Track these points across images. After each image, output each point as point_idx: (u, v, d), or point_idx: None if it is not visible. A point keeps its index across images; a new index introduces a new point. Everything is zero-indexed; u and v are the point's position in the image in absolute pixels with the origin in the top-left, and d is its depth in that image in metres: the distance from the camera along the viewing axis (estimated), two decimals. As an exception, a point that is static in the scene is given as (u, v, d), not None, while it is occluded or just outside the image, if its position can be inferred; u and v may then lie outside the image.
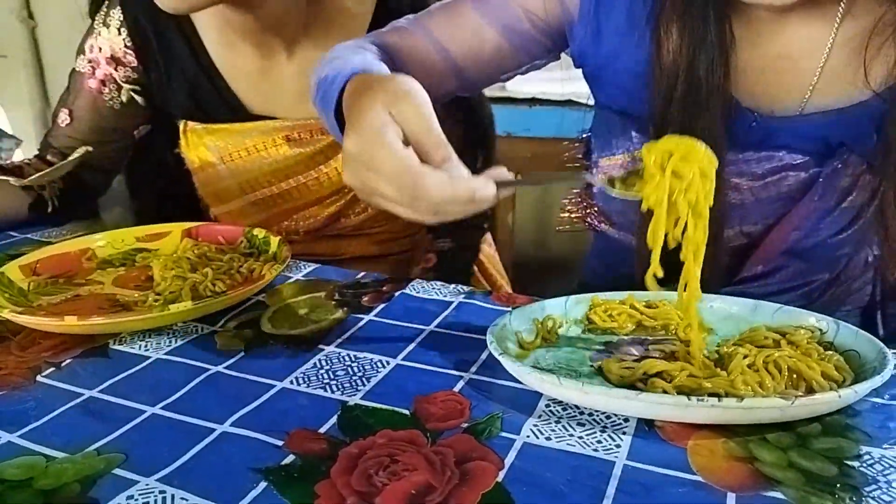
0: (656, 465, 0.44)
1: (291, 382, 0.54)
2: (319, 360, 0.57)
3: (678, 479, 0.42)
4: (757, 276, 0.71)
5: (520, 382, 0.52)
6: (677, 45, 0.65)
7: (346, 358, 0.58)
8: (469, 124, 1.03)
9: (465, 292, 0.71)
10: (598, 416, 0.49)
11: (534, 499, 0.41)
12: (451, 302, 0.68)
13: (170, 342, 0.61)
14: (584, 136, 0.80)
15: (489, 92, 1.04)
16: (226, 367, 0.57)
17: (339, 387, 0.53)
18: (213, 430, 0.48)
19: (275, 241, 0.78)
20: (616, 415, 0.49)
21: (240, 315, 0.67)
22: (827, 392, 0.47)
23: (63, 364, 0.58)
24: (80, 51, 0.98)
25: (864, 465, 0.43)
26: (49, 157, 1.00)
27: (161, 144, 1.05)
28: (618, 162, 0.73)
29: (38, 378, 0.56)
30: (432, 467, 0.43)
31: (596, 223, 0.81)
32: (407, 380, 0.54)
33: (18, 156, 1.06)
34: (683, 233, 0.52)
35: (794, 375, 0.50)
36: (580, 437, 0.46)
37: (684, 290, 0.53)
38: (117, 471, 0.44)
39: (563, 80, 0.76)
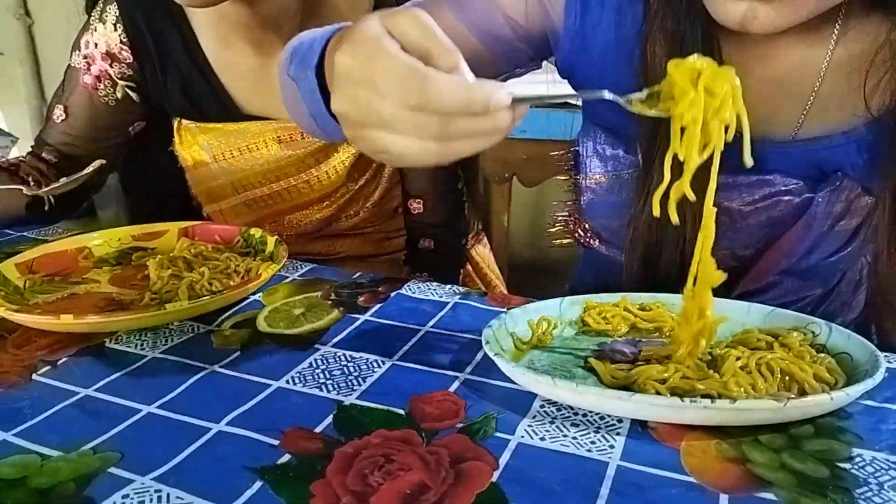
0: (649, 465, 0.44)
1: (287, 382, 0.54)
2: (315, 360, 0.58)
3: (671, 479, 0.43)
4: (751, 292, 0.70)
5: (514, 383, 0.52)
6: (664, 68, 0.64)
7: (342, 358, 0.58)
8: None
9: (461, 293, 0.71)
10: (592, 416, 0.49)
11: (528, 499, 0.41)
12: (447, 303, 0.69)
13: (166, 341, 0.61)
14: (573, 149, 0.78)
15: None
16: (222, 367, 0.57)
17: (335, 386, 0.53)
18: (209, 429, 0.48)
19: (271, 240, 0.78)
20: (610, 416, 0.49)
21: (236, 314, 0.67)
22: (819, 394, 0.47)
23: (59, 362, 0.58)
24: (76, 47, 0.98)
25: (856, 467, 0.44)
26: (44, 155, 1.00)
27: (156, 142, 1.05)
28: (603, 182, 0.72)
29: (34, 376, 0.56)
30: (427, 467, 0.44)
31: (584, 239, 0.79)
32: (402, 380, 0.54)
33: (14, 153, 1.06)
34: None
35: (787, 378, 0.50)
36: (574, 438, 0.47)
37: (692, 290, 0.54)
38: (113, 469, 0.44)
39: (560, 82, 0.76)
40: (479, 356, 0.57)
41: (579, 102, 0.77)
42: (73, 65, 0.99)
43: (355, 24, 0.45)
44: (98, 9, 0.97)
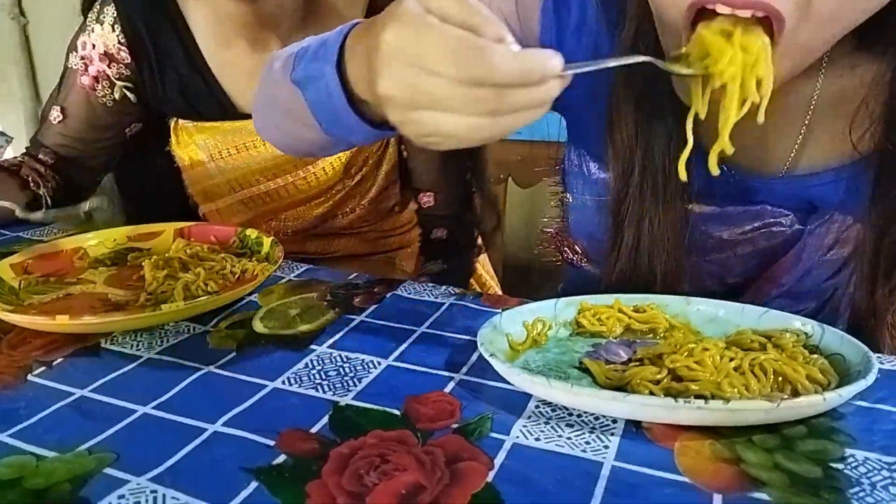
0: (643, 465, 0.44)
1: (283, 382, 0.54)
2: (311, 361, 0.58)
3: (665, 479, 0.43)
4: None
5: (510, 384, 0.52)
6: (631, 124, 0.62)
7: (338, 358, 0.58)
8: None
9: (456, 294, 0.71)
10: (586, 417, 0.49)
11: (523, 499, 0.41)
12: (443, 303, 0.69)
13: (161, 342, 0.61)
14: (558, 168, 0.78)
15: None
16: (217, 367, 0.57)
17: (331, 387, 0.54)
18: (205, 429, 0.48)
19: (267, 241, 0.78)
20: (604, 416, 0.49)
21: (231, 315, 0.67)
22: (812, 395, 0.48)
23: (54, 363, 0.58)
24: (73, 48, 0.98)
25: (849, 467, 0.44)
26: (41, 156, 1.00)
27: (152, 143, 1.05)
28: (589, 204, 0.71)
29: (29, 377, 0.56)
30: (423, 467, 0.44)
31: (571, 258, 0.79)
32: (398, 380, 0.55)
33: (9, 154, 1.06)
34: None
35: (780, 378, 0.50)
36: (569, 438, 0.47)
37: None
38: (108, 470, 0.44)
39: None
40: (474, 357, 0.57)
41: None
42: (70, 66, 0.99)
43: (393, 5, 0.43)
44: (95, 10, 0.97)
